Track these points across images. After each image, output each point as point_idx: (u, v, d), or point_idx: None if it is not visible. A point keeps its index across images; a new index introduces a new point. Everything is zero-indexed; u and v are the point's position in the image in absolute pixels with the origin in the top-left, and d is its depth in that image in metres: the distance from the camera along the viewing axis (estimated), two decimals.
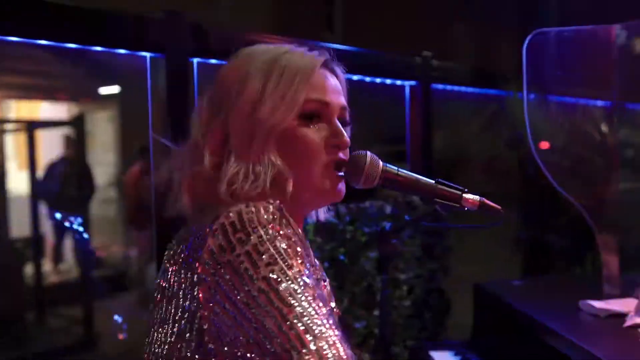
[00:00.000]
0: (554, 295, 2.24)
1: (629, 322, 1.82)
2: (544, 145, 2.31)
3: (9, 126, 7.43)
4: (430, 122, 2.91)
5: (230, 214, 0.93)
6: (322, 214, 1.27)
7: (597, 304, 1.97)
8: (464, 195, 1.26)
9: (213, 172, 1.04)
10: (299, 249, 0.93)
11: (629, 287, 2.10)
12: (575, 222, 2.37)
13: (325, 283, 1.13)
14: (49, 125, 8.22)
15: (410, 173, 1.25)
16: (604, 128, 2.29)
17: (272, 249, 0.89)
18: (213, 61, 2.09)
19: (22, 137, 6.74)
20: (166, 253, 1.07)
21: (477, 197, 1.27)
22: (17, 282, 4.85)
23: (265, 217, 0.93)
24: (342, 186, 1.12)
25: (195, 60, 2.02)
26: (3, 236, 5.81)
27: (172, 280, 1.01)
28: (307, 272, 0.90)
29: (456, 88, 3.23)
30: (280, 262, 0.88)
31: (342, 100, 1.15)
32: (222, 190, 1.02)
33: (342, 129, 1.11)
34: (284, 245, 0.90)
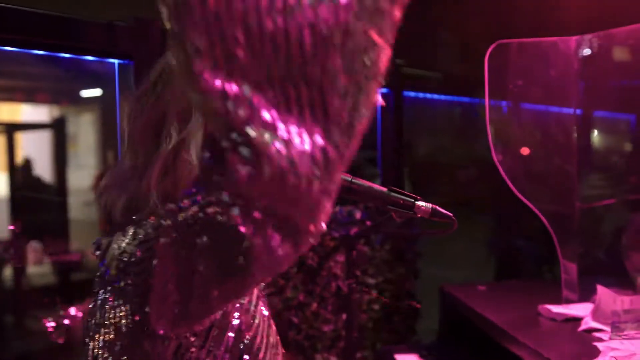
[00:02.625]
0: (516, 300, 2.29)
1: (583, 326, 1.88)
2: (525, 150, 2.36)
3: None
4: (401, 129, 2.96)
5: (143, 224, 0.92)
6: None
7: (555, 308, 2.03)
8: (417, 202, 1.31)
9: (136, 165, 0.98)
10: None
11: (588, 292, 2.16)
12: (546, 227, 2.41)
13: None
14: (30, 127, 8.19)
15: (363, 182, 1.29)
16: (566, 135, 2.35)
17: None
18: None
19: (2, 139, 6.70)
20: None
21: (429, 205, 1.32)
22: None
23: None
24: None
25: None
26: None
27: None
28: None
29: (429, 95, 3.28)
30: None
31: None
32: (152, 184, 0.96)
33: None
34: None
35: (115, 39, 1.90)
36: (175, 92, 0.98)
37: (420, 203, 1.32)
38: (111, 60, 1.94)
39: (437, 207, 1.33)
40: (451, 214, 1.34)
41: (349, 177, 1.26)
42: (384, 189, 1.30)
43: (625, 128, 2.62)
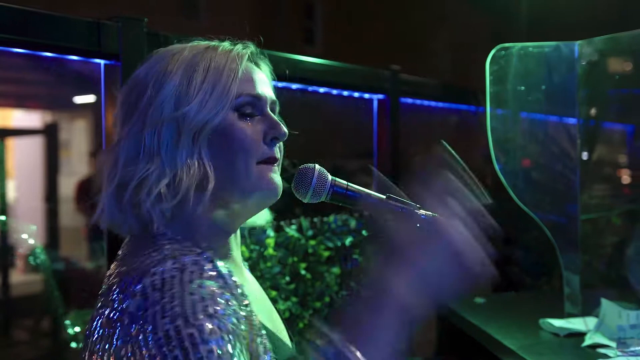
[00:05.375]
0: (516, 314, 2.21)
1: (587, 342, 1.80)
2: (526, 162, 2.30)
3: None
4: (398, 136, 2.89)
5: (155, 274, 0.86)
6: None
7: (557, 322, 1.95)
8: (417, 211, 1.23)
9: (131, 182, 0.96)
10: (220, 301, 0.85)
11: (591, 306, 2.08)
12: (546, 238, 2.36)
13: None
14: (22, 133, 8.10)
15: (360, 188, 1.21)
16: (569, 145, 2.29)
17: (177, 307, 0.81)
18: None
19: None
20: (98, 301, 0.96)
21: (430, 214, 1.24)
22: None
23: (189, 273, 0.87)
24: (277, 178, 1.07)
25: None
26: None
27: (95, 337, 0.90)
28: (218, 338, 0.81)
29: (426, 102, 3.22)
30: (179, 321, 0.80)
31: (272, 93, 1.11)
32: (143, 200, 0.95)
33: (277, 120, 1.07)
34: (202, 299, 0.83)
35: (101, 39, 1.82)
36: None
37: (421, 212, 1.24)
38: (97, 60, 1.86)
39: (440, 217, 1.25)
40: None
41: (344, 183, 1.19)
42: (383, 196, 1.22)
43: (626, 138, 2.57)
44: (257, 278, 2.18)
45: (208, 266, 0.91)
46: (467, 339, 2.15)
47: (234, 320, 0.85)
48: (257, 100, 1.05)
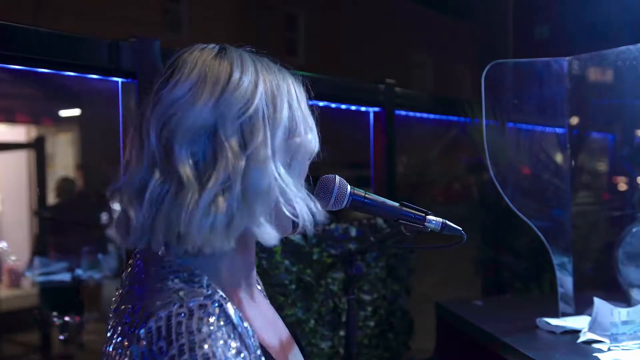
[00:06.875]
0: (513, 314, 2.33)
1: (582, 338, 1.92)
2: (526, 170, 2.43)
3: None
4: (393, 147, 3.00)
5: (161, 318, 0.83)
6: None
7: (553, 321, 2.07)
8: (427, 216, 1.34)
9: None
10: (230, 356, 0.82)
11: (582, 305, 2.21)
12: (534, 244, 2.48)
13: None
14: (8, 147, 8.09)
15: (376, 196, 1.32)
16: (559, 153, 2.42)
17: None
18: None
19: None
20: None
21: (439, 219, 1.34)
22: None
23: (197, 319, 0.83)
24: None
25: None
26: None
27: None
28: None
29: (418, 114, 3.34)
30: None
31: None
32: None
33: None
34: (211, 349, 0.81)
35: (118, 58, 1.92)
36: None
37: (431, 217, 1.34)
38: (114, 79, 1.95)
39: (448, 222, 1.35)
40: (460, 228, 1.37)
41: (362, 192, 1.29)
42: (396, 204, 1.33)
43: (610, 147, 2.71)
44: (267, 285, 2.27)
45: (216, 311, 0.85)
46: (466, 339, 2.25)
47: None
48: None
